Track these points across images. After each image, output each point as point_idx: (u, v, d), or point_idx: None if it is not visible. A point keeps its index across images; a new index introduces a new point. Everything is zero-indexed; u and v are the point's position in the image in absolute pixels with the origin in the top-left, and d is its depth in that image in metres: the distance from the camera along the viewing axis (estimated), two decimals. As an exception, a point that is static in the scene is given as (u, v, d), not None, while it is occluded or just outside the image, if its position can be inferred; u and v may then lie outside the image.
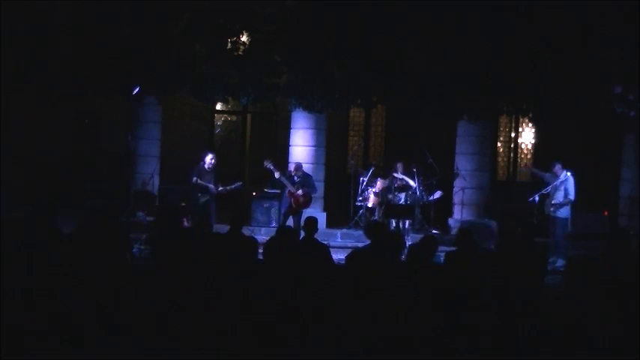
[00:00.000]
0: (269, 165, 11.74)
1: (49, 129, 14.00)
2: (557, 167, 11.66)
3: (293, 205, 11.76)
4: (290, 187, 11.69)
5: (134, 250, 9.05)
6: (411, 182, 13.21)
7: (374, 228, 7.39)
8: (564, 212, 11.54)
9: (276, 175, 11.64)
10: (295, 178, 11.87)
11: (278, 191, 12.23)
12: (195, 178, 11.54)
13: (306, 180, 12.02)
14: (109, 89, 13.28)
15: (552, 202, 11.52)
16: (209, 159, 11.69)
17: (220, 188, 11.68)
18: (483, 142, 14.37)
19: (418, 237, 9.60)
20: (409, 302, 6.04)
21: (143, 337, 5.80)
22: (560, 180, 11.50)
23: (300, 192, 11.73)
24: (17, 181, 12.76)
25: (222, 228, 8.71)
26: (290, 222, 11.77)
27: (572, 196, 11.47)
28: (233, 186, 11.90)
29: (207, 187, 11.56)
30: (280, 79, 13.60)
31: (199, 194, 11.59)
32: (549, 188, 11.58)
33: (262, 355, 5.74)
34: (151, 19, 13.18)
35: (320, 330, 5.92)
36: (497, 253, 8.05)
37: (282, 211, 11.99)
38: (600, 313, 5.90)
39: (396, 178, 13.37)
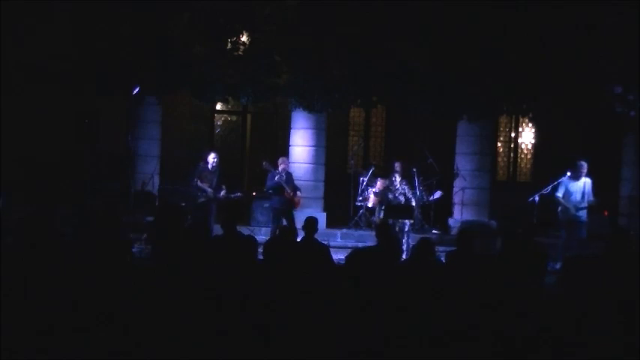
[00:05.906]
0: (267, 166, 11.77)
1: (49, 129, 13.97)
2: (584, 167, 11.35)
3: (292, 205, 11.83)
4: (287, 189, 11.71)
5: (134, 250, 9.04)
6: (409, 193, 12.80)
7: (385, 229, 7.37)
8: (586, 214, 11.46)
9: (276, 178, 11.65)
10: (283, 175, 11.81)
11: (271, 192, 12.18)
12: (195, 180, 11.46)
13: (290, 178, 12.04)
14: (109, 89, 13.29)
15: (582, 206, 11.29)
16: (212, 158, 11.59)
17: (222, 193, 11.62)
18: (483, 142, 14.38)
19: (418, 237, 9.57)
20: (409, 302, 6.04)
21: (143, 337, 5.80)
22: (584, 182, 11.31)
23: (298, 194, 11.91)
24: (17, 181, 12.73)
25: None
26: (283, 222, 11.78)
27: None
28: (233, 195, 11.93)
29: (205, 190, 11.46)
30: (280, 79, 13.60)
31: (199, 193, 11.56)
32: (573, 191, 11.29)
33: (262, 355, 5.73)
34: (151, 19, 13.18)
35: (320, 330, 5.91)
36: (497, 254, 8.05)
37: (274, 213, 11.96)
38: (600, 314, 5.89)
39: (395, 185, 13.13)
